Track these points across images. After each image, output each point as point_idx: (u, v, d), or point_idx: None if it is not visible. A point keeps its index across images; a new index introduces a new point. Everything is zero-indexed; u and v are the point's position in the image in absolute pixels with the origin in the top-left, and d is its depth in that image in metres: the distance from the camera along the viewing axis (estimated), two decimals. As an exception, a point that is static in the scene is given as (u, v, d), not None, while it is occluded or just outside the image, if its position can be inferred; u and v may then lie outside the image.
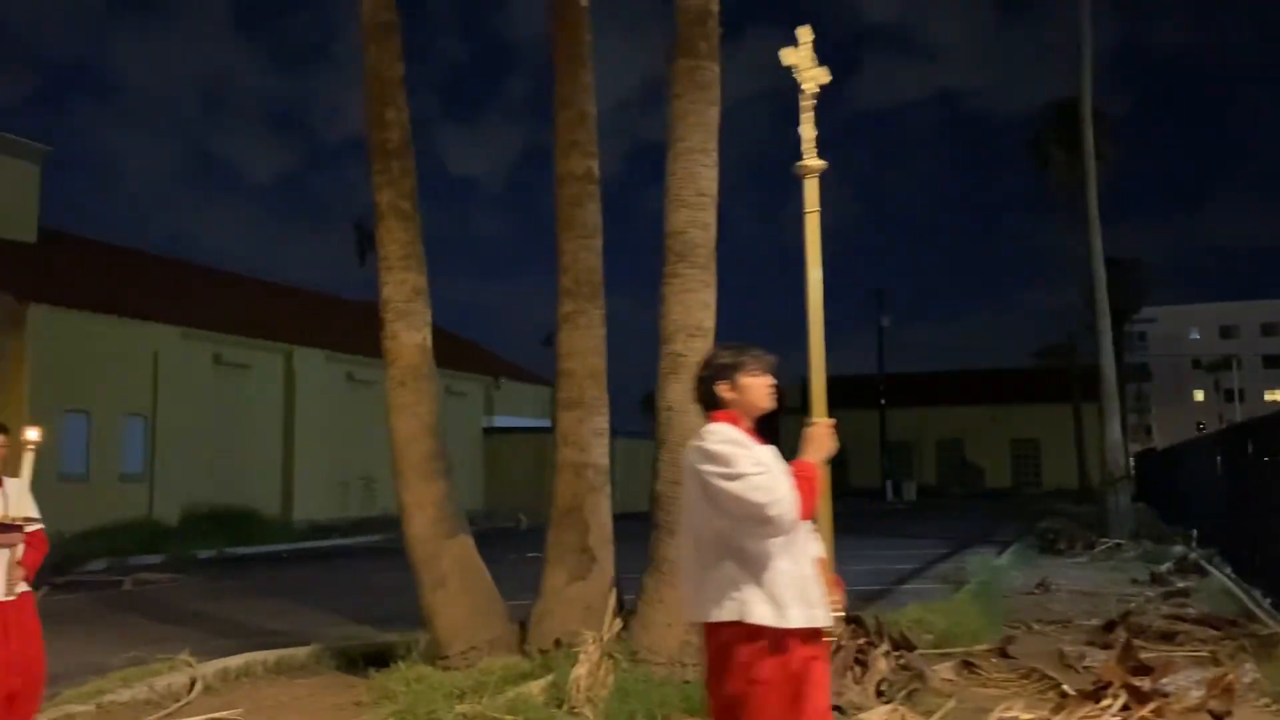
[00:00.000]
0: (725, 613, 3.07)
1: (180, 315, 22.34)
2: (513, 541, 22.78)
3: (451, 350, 35.24)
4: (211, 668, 7.39)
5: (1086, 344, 29.35)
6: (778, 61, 3.77)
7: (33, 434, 5.37)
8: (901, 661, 7.06)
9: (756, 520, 2.96)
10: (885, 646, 6.89)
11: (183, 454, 21.55)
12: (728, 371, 3.25)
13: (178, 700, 6.88)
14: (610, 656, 6.37)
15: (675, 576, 6.43)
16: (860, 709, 6.13)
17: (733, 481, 3.00)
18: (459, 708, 6.08)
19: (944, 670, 7.11)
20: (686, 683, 6.34)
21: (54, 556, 16.69)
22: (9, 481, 5.38)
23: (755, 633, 3.03)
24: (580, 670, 6.17)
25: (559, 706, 6.01)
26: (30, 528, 5.33)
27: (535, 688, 6.23)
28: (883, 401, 48.12)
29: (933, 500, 46.67)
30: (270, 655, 7.83)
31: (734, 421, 3.20)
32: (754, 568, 3.04)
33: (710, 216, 6.49)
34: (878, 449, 49.42)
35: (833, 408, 3.48)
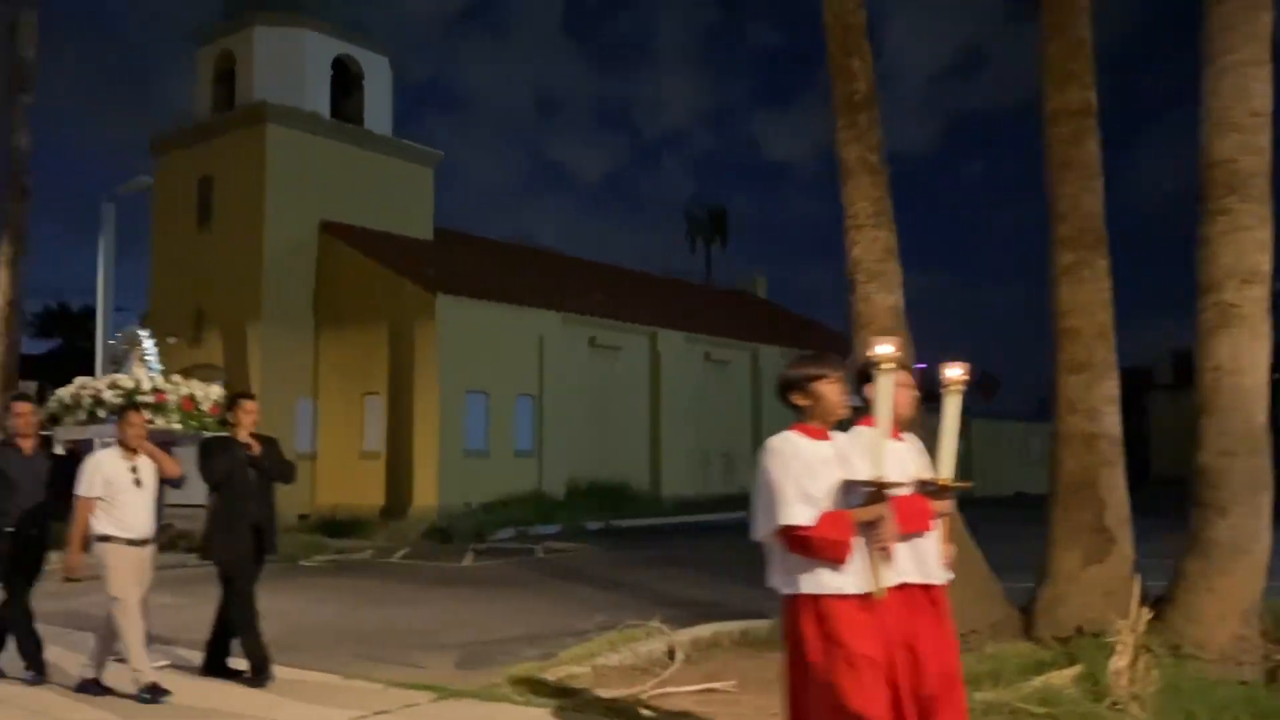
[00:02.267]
0: None
1: (560, 302, 23.64)
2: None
3: (797, 328, 34.96)
4: (684, 636, 7.40)
5: None
6: None
7: (955, 371, 3.85)
8: None
9: None
10: None
11: (565, 431, 22.80)
12: None
13: (659, 667, 6.93)
14: (1148, 649, 5.63)
15: (1230, 562, 5.57)
16: None
17: None
18: (979, 695, 5.58)
19: None
20: (1243, 683, 5.48)
21: (470, 524, 18.12)
22: (907, 436, 4.10)
23: None
24: (1120, 662, 5.49)
25: (1096, 700, 5.36)
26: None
27: (1063, 678, 5.62)
28: None
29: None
30: (735, 627, 7.76)
31: None
32: None
33: (1265, 140, 5.54)
34: None
35: None
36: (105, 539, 6.03)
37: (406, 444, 20.62)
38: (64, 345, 38.75)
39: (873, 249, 6.77)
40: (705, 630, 7.63)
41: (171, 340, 22.67)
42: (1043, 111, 6.54)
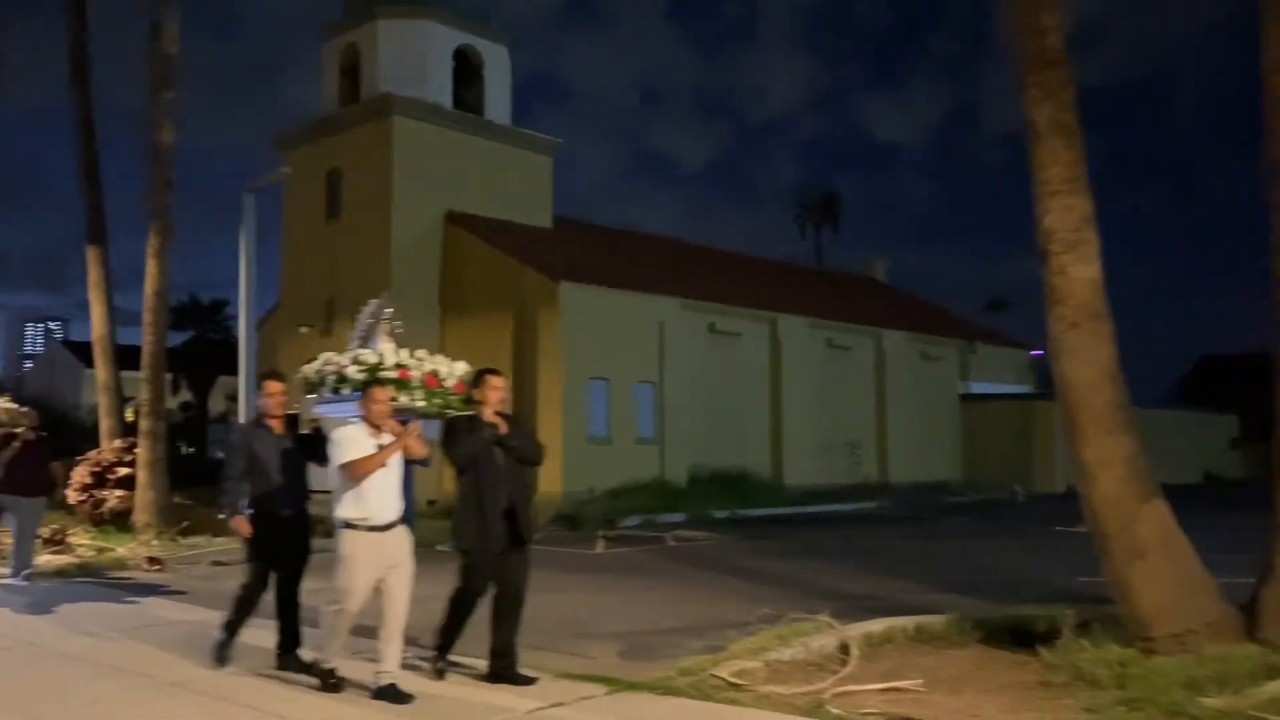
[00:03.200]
0: None
1: (679, 288, 23.37)
2: (1020, 514, 21.27)
3: (921, 312, 33.96)
4: (855, 631, 7.04)
5: None
6: None
7: None
8: None
9: None
10: None
11: (685, 419, 22.51)
12: None
13: (833, 663, 6.59)
14: (1405, 655, 5.05)
15: None
16: None
17: None
18: (1209, 701, 5.10)
19: None
20: None
21: (597, 511, 17.99)
22: None
23: None
24: (1378, 670, 4.94)
25: (1348, 712, 4.82)
26: None
27: (1304, 686, 5.09)
28: None
29: None
30: (908, 622, 7.35)
31: None
32: None
33: None
34: None
35: None
36: (348, 525, 5.61)
37: (531, 430, 20.60)
38: (196, 338, 40.11)
39: (1068, 217, 6.27)
40: (877, 625, 7.24)
41: (304, 330, 23.23)
42: (1262, 60, 5.94)
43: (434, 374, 6.51)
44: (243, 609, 6.37)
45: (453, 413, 6.48)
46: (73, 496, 15.53)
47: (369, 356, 6.45)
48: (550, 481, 20.14)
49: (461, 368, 6.60)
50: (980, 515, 21.34)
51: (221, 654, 6.35)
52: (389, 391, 5.97)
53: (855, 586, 10.37)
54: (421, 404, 6.52)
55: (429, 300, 22.34)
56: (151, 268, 14.96)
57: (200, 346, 38.67)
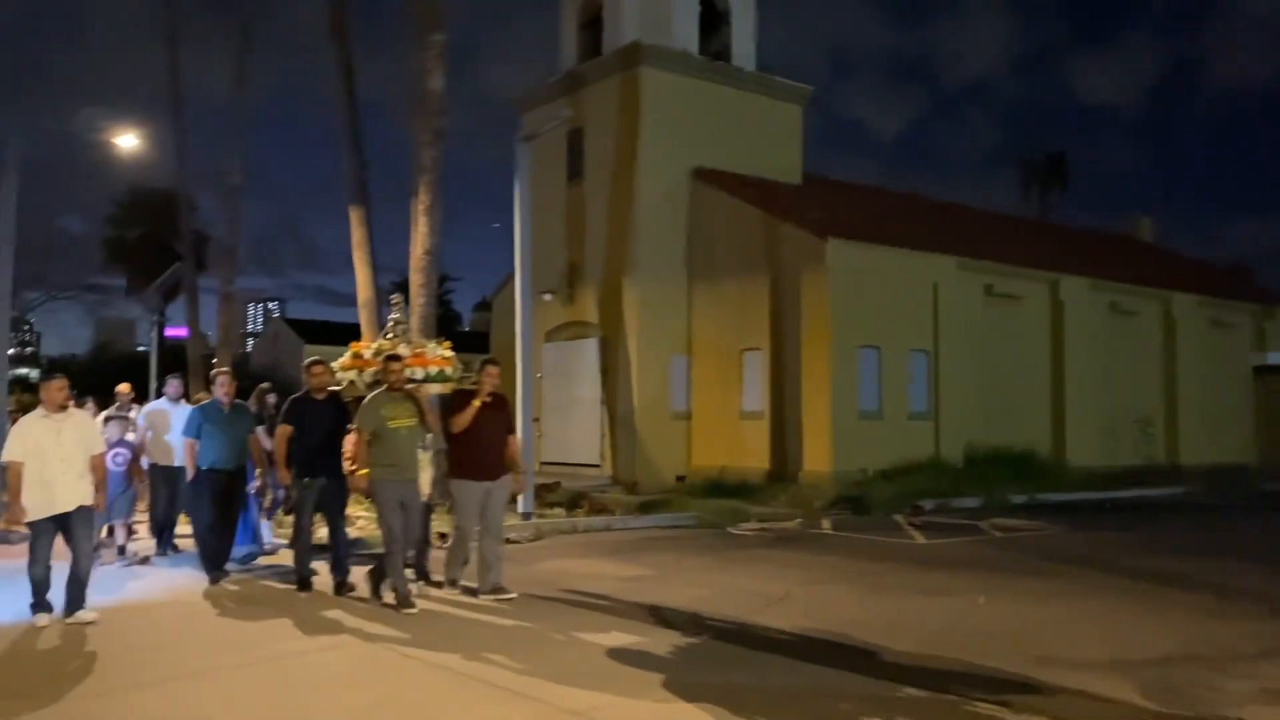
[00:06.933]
0: None
1: (954, 246, 21.01)
2: None
3: (1206, 273, 30.02)
4: None
5: None
6: None
7: None
8: None
9: None
10: None
11: (960, 391, 20.21)
12: None
13: None
14: None
15: None
16: None
17: None
18: None
19: None
20: None
21: (887, 494, 16.02)
22: None
23: None
24: None
25: None
26: None
27: None
28: None
29: None
30: None
31: None
32: None
33: None
34: None
35: None
36: None
37: (794, 404, 18.86)
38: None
39: None
40: None
41: (546, 298, 22.24)
42: None
43: None
44: None
45: None
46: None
47: None
48: (817, 460, 18.35)
49: None
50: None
51: None
52: None
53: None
54: None
55: (675, 264, 20.85)
56: (421, 225, 14.02)
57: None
